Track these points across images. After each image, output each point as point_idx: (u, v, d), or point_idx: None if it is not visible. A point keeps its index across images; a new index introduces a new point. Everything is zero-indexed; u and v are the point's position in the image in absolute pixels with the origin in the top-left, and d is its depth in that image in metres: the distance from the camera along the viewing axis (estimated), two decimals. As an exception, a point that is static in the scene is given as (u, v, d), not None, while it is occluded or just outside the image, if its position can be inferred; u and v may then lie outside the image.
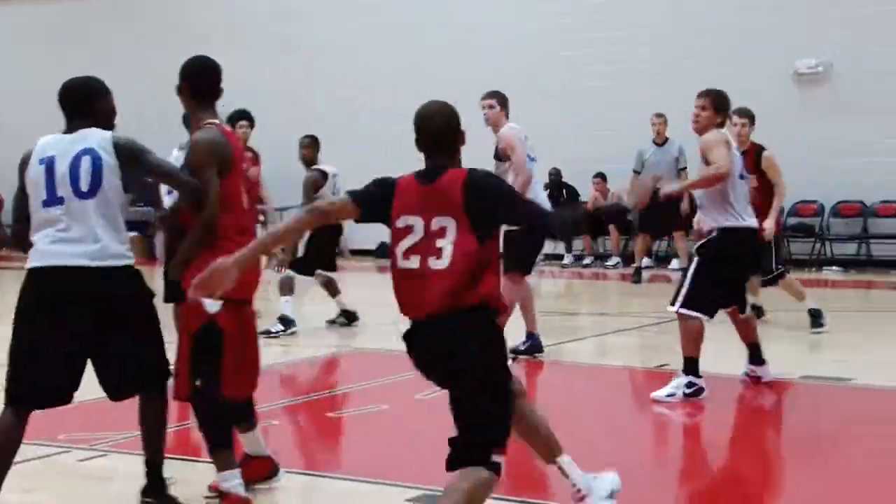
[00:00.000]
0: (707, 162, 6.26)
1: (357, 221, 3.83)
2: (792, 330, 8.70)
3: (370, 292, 13.62)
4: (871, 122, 13.51)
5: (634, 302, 11.61)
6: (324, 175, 8.97)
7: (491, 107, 7.77)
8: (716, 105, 6.35)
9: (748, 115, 8.36)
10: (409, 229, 3.74)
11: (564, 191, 15.37)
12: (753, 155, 8.26)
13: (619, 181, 14.78)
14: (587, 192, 15.39)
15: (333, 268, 9.29)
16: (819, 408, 6.20)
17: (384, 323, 9.64)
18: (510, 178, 7.41)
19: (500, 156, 7.65)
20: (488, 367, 3.71)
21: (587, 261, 15.42)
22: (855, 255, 13.98)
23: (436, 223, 3.71)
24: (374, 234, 13.81)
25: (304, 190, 8.93)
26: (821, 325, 8.54)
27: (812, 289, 9.29)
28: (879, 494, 4.46)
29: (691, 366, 6.18)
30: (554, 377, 7.43)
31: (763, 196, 8.19)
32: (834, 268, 13.61)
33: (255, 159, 10.64)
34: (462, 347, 3.69)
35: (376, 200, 3.78)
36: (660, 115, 12.92)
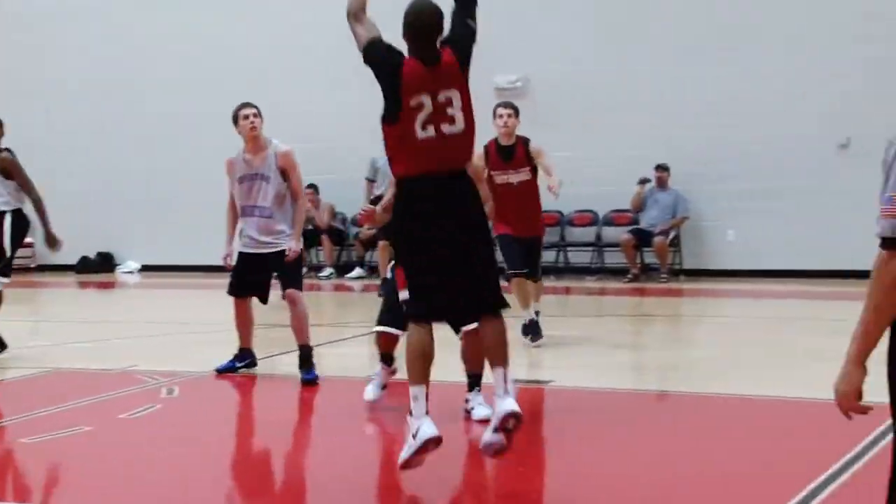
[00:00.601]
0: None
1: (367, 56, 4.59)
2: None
3: (70, 310, 13.09)
4: (567, 136, 14.12)
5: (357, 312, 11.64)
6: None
7: (256, 115, 7.33)
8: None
9: (514, 107, 8.32)
10: (420, 107, 4.57)
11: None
12: (522, 146, 8.30)
13: (337, 192, 14.96)
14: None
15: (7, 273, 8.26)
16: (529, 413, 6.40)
17: (83, 341, 9.26)
18: (287, 204, 7.31)
19: (283, 175, 7.34)
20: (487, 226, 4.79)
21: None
22: (554, 263, 14.64)
23: (443, 96, 4.59)
24: (75, 247, 13.27)
25: (20, 170, 8.24)
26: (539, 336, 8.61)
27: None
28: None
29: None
30: (275, 390, 7.35)
31: (532, 193, 8.39)
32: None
33: None
34: (475, 203, 4.66)
35: (390, 56, 4.59)
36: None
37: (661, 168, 13.95)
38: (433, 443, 4.44)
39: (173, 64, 15.82)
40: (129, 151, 16.06)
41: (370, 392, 6.30)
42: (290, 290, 7.34)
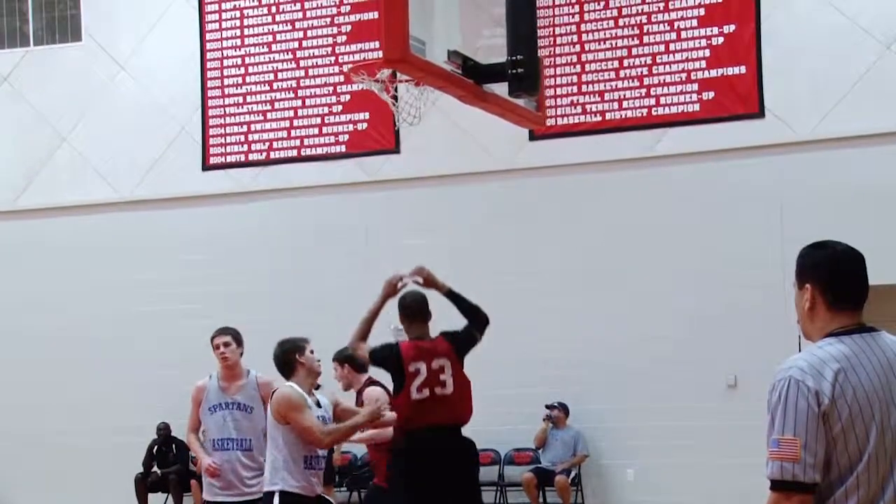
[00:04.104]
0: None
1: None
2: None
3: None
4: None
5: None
6: None
7: (228, 345, 6.96)
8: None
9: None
10: (417, 372, 5.85)
11: (174, 445, 14.85)
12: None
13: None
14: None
15: None
16: None
17: None
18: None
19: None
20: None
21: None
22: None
23: (436, 364, 5.90)
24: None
25: None
26: None
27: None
28: None
29: None
30: None
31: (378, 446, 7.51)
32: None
33: None
34: (470, 459, 6.07)
35: (389, 349, 6.02)
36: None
37: (553, 407, 14.09)
38: None
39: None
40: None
41: None
42: None
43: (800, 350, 3.17)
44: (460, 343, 6.18)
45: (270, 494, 5.91)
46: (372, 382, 7.27)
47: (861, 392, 2.92)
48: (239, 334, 7.12)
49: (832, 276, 3.10)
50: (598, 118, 14.36)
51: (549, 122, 13.72)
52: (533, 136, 14.29)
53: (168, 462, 14.72)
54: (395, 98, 9.04)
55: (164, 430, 14.85)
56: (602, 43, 14.34)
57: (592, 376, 14.08)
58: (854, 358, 2.96)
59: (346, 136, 15.24)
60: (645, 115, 14.15)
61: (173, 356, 14.40)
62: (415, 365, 5.91)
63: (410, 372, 5.88)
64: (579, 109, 14.44)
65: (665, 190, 14.02)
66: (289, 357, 6.17)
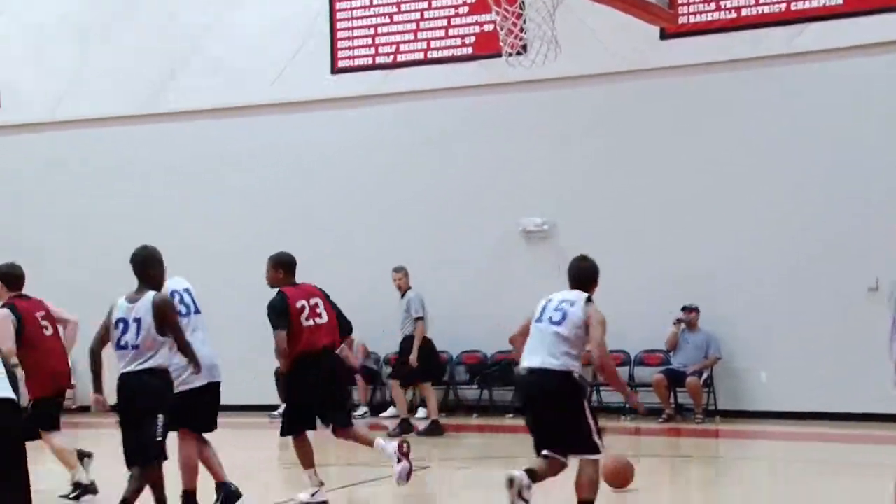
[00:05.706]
0: None
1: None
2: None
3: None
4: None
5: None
6: None
7: None
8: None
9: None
10: (302, 308, 7.85)
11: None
12: None
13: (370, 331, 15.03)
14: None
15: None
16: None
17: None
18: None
19: None
20: None
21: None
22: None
23: (312, 301, 7.93)
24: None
25: None
26: None
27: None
28: None
29: None
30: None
31: None
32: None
33: None
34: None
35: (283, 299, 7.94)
36: (398, 269, 13.28)
37: (689, 309, 14.03)
38: None
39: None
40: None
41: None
42: None
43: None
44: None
45: (569, 374, 6.79)
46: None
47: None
48: None
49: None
50: (734, 14, 13.96)
51: (682, 20, 13.41)
52: (664, 35, 13.97)
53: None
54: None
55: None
56: (738, -66, 13.87)
57: (725, 277, 13.94)
58: None
59: (473, 38, 15.13)
60: (783, 10, 13.70)
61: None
62: (300, 302, 7.83)
63: (297, 308, 7.78)
64: (713, 6, 14.05)
65: (804, 90, 13.63)
66: (597, 274, 7.07)
